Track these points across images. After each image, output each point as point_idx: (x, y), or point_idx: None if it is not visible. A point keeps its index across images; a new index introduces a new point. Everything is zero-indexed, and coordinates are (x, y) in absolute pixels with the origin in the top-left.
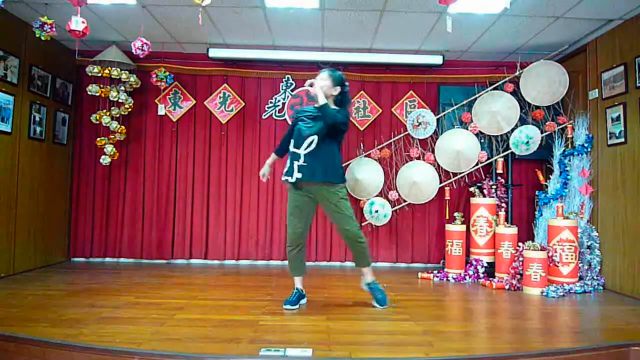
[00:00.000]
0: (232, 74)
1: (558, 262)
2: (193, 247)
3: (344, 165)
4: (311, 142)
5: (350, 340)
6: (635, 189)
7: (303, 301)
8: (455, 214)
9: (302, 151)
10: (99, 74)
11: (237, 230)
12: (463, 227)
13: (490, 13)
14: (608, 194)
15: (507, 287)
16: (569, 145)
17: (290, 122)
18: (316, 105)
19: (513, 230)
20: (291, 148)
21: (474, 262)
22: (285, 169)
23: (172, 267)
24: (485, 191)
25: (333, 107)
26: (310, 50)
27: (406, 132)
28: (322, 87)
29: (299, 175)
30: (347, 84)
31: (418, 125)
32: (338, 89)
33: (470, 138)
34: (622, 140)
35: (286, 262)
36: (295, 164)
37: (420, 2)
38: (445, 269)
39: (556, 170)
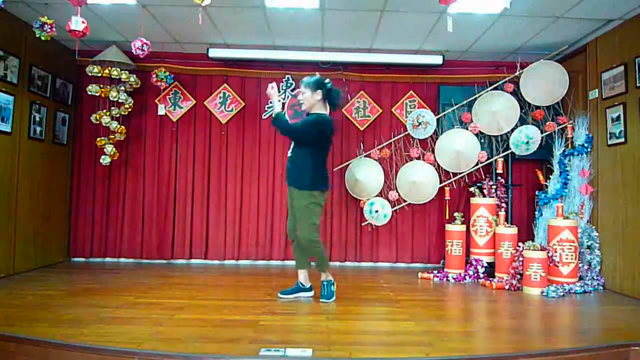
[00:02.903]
0: (232, 74)
1: (558, 262)
2: (193, 247)
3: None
4: (291, 147)
5: (350, 340)
6: (635, 189)
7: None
8: (455, 214)
9: (289, 154)
10: (99, 74)
11: (237, 230)
12: (463, 227)
13: (490, 13)
14: (608, 194)
15: (507, 287)
16: (569, 145)
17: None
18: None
19: (513, 230)
20: None
21: (474, 262)
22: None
23: (172, 267)
24: (485, 191)
25: (320, 111)
26: (310, 50)
27: (406, 132)
28: (304, 99)
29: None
30: (327, 81)
31: (418, 125)
32: (319, 92)
33: (470, 138)
34: (622, 140)
35: (287, 262)
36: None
37: (420, 2)
38: (445, 269)
39: (556, 170)
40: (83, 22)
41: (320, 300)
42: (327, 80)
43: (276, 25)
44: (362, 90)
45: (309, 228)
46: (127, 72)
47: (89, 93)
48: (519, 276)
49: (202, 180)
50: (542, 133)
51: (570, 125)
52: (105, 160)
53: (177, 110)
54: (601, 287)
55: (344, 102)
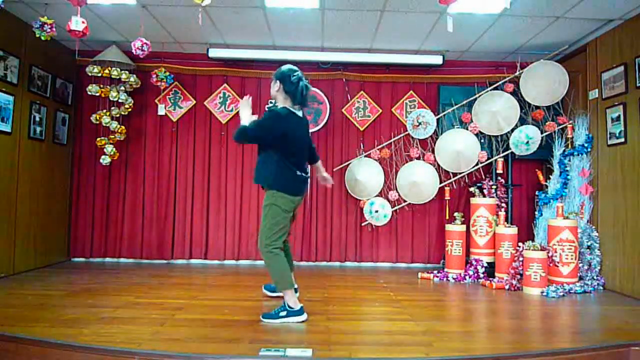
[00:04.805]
0: (232, 74)
1: (558, 262)
2: (193, 247)
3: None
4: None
5: (350, 340)
6: (635, 189)
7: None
8: (455, 214)
9: None
10: (99, 74)
11: (237, 230)
12: (463, 227)
13: (490, 13)
14: (608, 194)
15: (507, 287)
16: (569, 145)
17: None
18: None
19: (513, 230)
20: None
21: (474, 262)
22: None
23: (172, 267)
24: (485, 191)
25: (283, 104)
26: (310, 50)
27: (406, 132)
28: (271, 88)
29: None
30: (293, 76)
31: (418, 125)
32: (277, 83)
33: (470, 138)
34: (622, 140)
35: None
36: None
37: (420, 2)
38: (445, 269)
39: (556, 170)
40: (83, 22)
41: (261, 316)
42: (295, 73)
43: (276, 25)
44: (362, 90)
45: (267, 231)
46: (127, 72)
47: (89, 93)
48: (519, 276)
49: (202, 180)
50: (542, 133)
51: (570, 125)
52: (105, 160)
53: (177, 110)
54: (601, 287)
55: (306, 100)
